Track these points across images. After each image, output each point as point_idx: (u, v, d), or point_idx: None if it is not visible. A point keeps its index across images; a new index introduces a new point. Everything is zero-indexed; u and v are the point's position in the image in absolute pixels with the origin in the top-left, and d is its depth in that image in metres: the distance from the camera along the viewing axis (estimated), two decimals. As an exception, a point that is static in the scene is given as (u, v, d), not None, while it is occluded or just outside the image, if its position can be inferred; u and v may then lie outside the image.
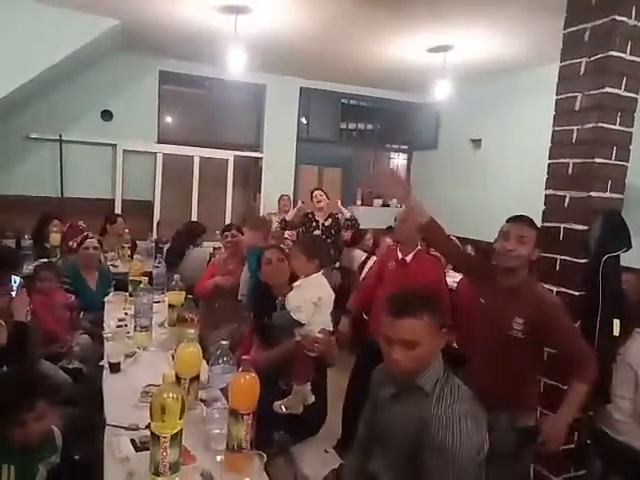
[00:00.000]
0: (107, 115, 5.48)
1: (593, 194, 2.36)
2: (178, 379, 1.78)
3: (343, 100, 6.76)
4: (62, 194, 5.27)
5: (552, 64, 2.59)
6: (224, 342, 1.81)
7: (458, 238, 5.23)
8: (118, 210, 5.44)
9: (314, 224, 4.87)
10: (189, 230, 4.42)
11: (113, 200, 5.53)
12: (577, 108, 2.41)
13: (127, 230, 4.85)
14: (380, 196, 7.14)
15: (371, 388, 1.62)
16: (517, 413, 1.95)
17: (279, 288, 2.41)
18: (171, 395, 1.32)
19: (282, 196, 5.74)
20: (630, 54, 2.30)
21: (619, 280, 2.36)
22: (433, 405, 1.32)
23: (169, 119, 6.16)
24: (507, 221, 2.00)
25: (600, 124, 2.32)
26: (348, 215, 5.22)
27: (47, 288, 3.14)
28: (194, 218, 5.79)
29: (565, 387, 2.41)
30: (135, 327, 2.55)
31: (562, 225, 2.46)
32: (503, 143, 5.74)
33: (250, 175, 6.51)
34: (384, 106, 6.96)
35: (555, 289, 2.45)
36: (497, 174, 5.77)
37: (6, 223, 4.62)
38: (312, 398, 2.19)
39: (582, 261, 2.37)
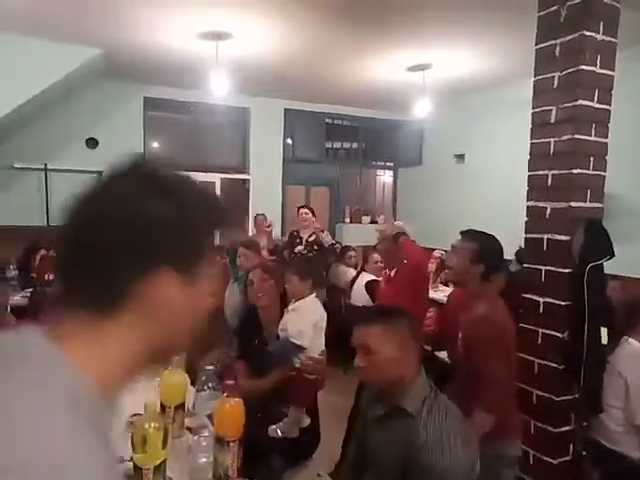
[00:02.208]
0: (92, 143, 5.49)
1: (573, 204, 2.39)
2: (163, 407, 1.75)
3: (327, 120, 6.84)
4: (48, 223, 5.23)
5: (531, 80, 2.65)
6: (209, 367, 1.78)
7: (446, 252, 5.30)
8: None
9: (298, 240, 4.88)
10: None
11: (100, 227, 5.48)
12: (552, 121, 2.46)
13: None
14: (368, 213, 7.18)
15: (361, 407, 1.61)
16: (494, 438, 1.75)
17: (267, 310, 2.39)
18: (152, 425, 1.30)
19: (257, 216, 5.68)
20: (600, 67, 2.36)
21: (604, 288, 2.38)
22: (420, 426, 1.30)
23: (155, 144, 6.18)
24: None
25: (576, 135, 2.37)
26: (330, 241, 5.25)
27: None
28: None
29: (557, 399, 2.42)
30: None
31: (545, 236, 2.48)
32: (486, 157, 5.82)
33: (238, 197, 6.52)
34: (368, 125, 7.05)
35: (542, 300, 2.46)
36: (481, 188, 5.83)
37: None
38: (307, 420, 2.16)
39: (566, 271, 2.39)
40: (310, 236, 4.96)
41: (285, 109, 6.47)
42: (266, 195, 6.32)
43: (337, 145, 7.15)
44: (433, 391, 1.40)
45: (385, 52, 4.50)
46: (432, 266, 5.12)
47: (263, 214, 5.79)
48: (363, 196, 7.48)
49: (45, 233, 5.10)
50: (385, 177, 7.65)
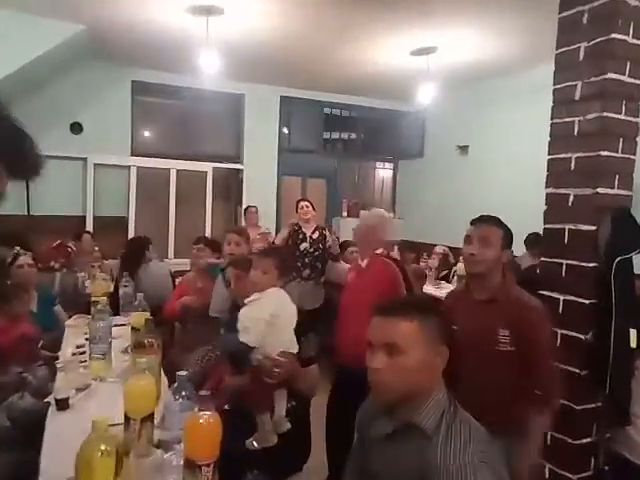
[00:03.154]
0: (77, 128, 5.20)
1: (600, 190, 2.14)
2: (127, 419, 1.48)
3: (326, 109, 6.57)
4: (29, 212, 4.94)
5: (543, 64, 2.39)
6: (182, 373, 1.51)
7: (451, 250, 5.06)
8: (90, 228, 5.13)
9: (301, 237, 4.59)
10: (132, 249, 4.04)
11: (84, 217, 5.21)
12: (577, 97, 2.20)
13: (97, 248, 4.54)
14: (367, 207, 6.91)
15: (359, 424, 1.34)
16: (518, 439, 1.66)
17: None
18: (102, 448, 1.03)
19: (249, 208, 5.40)
20: (633, 37, 2.10)
21: (633, 285, 2.12)
22: (439, 450, 1.04)
23: (143, 131, 5.89)
24: (470, 224, 1.81)
25: (604, 113, 2.11)
26: (337, 249, 4.99)
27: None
28: (172, 234, 5.50)
29: (578, 407, 2.17)
30: (91, 355, 2.24)
31: (567, 226, 2.22)
32: (491, 149, 5.56)
33: (231, 188, 6.24)
34: (368, 115, 6.78)
35: (562, 297, 2.21)
36: (485, 181, 5.58)
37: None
38: (286, 425, 1.90)
39: (591, 265, 2.13)
40: (313, 232, 4.68)
41: (281, 96, 6.19)
42: (260, 186, 6.04)
43: (335, 136, 6.87)
44: (452, 405, 1.13)
45: (388, 34, 4.23)
46: (434, 262, 4.88)
47: (255, 206, 5.53)
48: (362, 189, 7.22)
49: (25, 222, 4.83)
50: (385, 170, 7.38)
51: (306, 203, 4.78)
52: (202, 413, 1.22)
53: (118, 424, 1.57)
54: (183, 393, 1.47)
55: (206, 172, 5.77)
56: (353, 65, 5.13)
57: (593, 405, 2.18)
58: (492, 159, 5.52)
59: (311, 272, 4.31)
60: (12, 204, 4.89)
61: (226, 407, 2.12)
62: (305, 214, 4.60)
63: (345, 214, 6.80)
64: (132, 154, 5.48)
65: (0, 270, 3.53)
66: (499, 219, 1.78)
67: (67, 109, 5.13)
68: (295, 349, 1.83)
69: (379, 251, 2.66)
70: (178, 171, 5.62)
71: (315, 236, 4.53)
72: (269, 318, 1.78)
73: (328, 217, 6.73)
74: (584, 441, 2.20)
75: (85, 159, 5.19)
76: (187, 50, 4.39)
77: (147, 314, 2.42)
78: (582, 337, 2.15)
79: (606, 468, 2.24)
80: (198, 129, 5.94)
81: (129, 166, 5.40)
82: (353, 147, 6.97)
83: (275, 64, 5.19)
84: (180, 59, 4.85)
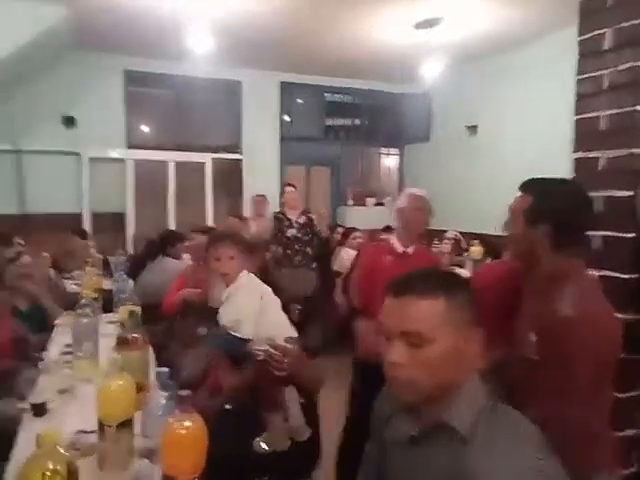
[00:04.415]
0: (69, 121, 5.01)
1: (635, 151, 1.88)
2: (102, 426, 1.27)
3: (327, 95, 6.33)
4: (23, 210, 4.77)
5: (558, 32, 2.13)
6: (162, 370, 1.30)
7: (463, 235, 4.82)
8: (87, 224, 4.94)
9: (287, 223, 4.37)
10: (163, 239, 3.88)
11: (80, 214, 5.02)
12: (606, 47, 1.94)
13: (91, 244, 4.34)
14: (372, 194, 6.68)
15: (373, 425, 1.11)
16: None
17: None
18: (47, 467, 0.82)
19: (256, 197, 5.22)
20: (669, -26, 1.84)
21: (678, 257, 1.87)
22: (479, 455, 0.81)
23: (138, 123, 5.68)
24: None
25: (638, 63, 1.85)
26: (325, 234, 4.77)
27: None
28: (172, 228, 5.29)
29: (621, 395, 1.92)
30: (75, 354, 2.04)
31: (598, 194, 1.97)
32: (502, 127, 5.29)
33: (231, 179, 6.03)
34: (371, 99, 6.53)
35: (597, 273, 1.96)
36: (497, 161, 5.31)
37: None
38: (307, 432, 1.70)
39: (630, 236, 1.88)
40: (299, 217, 4.46)
41: (281, 82, 5.97)
42: (262, 176, 5.82)
43: (338, 122, 6.63)
44: (492, 399, 0.91)
45: (390, 6, 3.98)
46: (447, 247, 4.64)
47: (263, 195, 5.31)
48: (366, 176, 6.98)
49: (20, 221, 4.66)
50: (390, 155, 7.12)
51: (291, 188, 4.60)
52: (180, 418, 1.01)
53: (90, 431, 1.37)
54: (165, 393, 1.26)
55: (204, 163, 5.56)
56: (354, 44, 4.88)
57: (638, 393, 1.94)
58: (503, 138, 5.25)
59: (302, 258, 4.14)
60: (6, 202, 4.73)
61: (227, 406, 1.93)
62: (292, 199, 4.42)
63: (350, 202, 6.57)
64: (128, 147, 5.29)
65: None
66: (536, 182, 1.44)
67: (58, 102, 4.94)
68: (294, 333, 1.61)
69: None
70: (176, 163, 5.42)
71: (302, 221, 4.34)
72: (256, 303, 1.57)
73: (332, 206, 6.51)
74: (628, 433, 1.96)
75: (79, 154, 5.00)
76: (177, 32, 4.16)
77: (135, 307, 2.22)
78: (621, 317, 1.90)
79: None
80: (195, 119, 5.73)
81: (125, 159, 5.21)
82: (357, 133, 6.73)
83: (272, 48, 4.96)
84: (171, 43, 4.61)
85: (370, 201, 6.62)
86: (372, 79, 6.20)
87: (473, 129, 5.71)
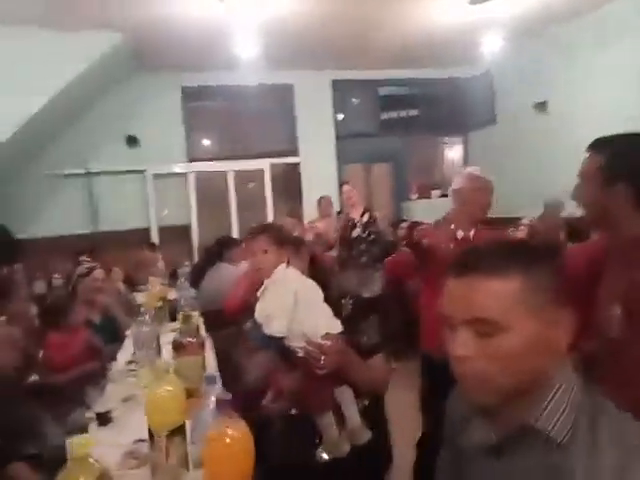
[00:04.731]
0: (132, 141, 5.22)
1: None
2: (151, 436, 1.20)
3: (381, 89, 6.14)
4: (95, 229, 5.02)
5: None
6: (209, 374, 1.21)
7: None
8: (155, 238, 5.11)
9: (350, 223, 4.21)
10: (216, 244, 3.91)
11: (148, 228, 5.21)
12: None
13: (159, 257, 4.46)
14: (437, 186, 6.37)
15: (446, 430, 0.94)
16: None
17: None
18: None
19: (322, 198, 5.13)
20: None
21: None
22: (582, 465, 0.63)
23: (197, 136, 5.82)
24: None
25: None
26: (388, 237, 4.54)
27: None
28: (235, 237, 5.34)
29: None
30: (133, 363, 2.04)
31: None
32: (574, 101, 4.82)
33: (289, 183, 6.00)
34: (428, 88, 6.27)
35: None
36: (569, 139, 4.81)
37: (39, 266, 4.38)
38: (366, 434, 1.53)
39: None
40: (362, 215, 4.29)
41: (332, 81, 5.87)
42: (320, 178, 5.74)
43: (394, 115, 6.41)
44: (590, 396, 0.71)
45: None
46: (522, 234, 4.28)
47: (328, 196, 5.21)
48: (429, 168, 6.68)
49: (93, 239, 4.89)
50: (453, 144, 6.78)
51: (348, 187, 4.43)
52: (222, 424, 0.90)
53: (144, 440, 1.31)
54: (212, 399, 1.17)
55: (263, 169, 5.58)
56: (406, 31, 4.67)
57: None
58: (576, 112, 4.78)
59: (368, 259, 3.96)
60: (80, 223, 5.00)
61: (293, 411, 1.82)
62: (349, 198, 4.25)
63: (415, 196, 6.31)
64: (188, 160, 5.42)
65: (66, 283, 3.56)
66: (608, 141, 1.25)
67: (121, 123, 5.17)
68: (337, 329, 1.46)
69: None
70: (236, 172, 5.48)
71: (365, 220, 4.16)
72: (291, 298, 1.43)
73: (395, 202, 6.28)
74: None
75: (143, 171, 5.20)
76: (226, 41, 4.19)
77: (192, 313, 2.19)
78: None
79: None
80: (251, 127, 5.78)
81: (186, 173, 5.34)
82: (415, 125, 6.46)
83: (321, 46, 4.87)
84: (222, 53, 4.66)
85: (435, 193, 6.33)
86: (427, 66, 5.93)
87: (542, 106, 5.27)
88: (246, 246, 1.66)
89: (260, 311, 1.48)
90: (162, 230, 5.26)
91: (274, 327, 1.42)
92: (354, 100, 6.07)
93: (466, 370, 0.71)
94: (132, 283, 4.35)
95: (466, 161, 6.66)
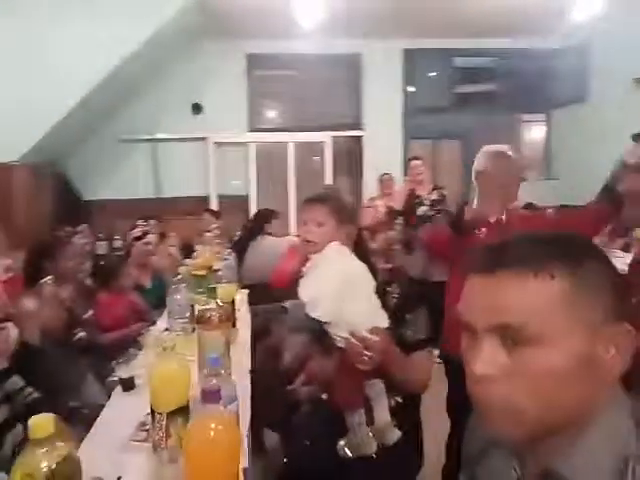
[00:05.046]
0: (197, 108, 5.23)
1: None
2: (153, 414, 1.11)
3: (457, 59, 5.70)
4: (157, 194, 5.13)
5: None
6: (212, 355, 1.09)
7: None
8: (213, 207, 5.14)
9: (417, 200, 3.95)
10: (257, 218, 3.84)
11: (207, 197, 5.25)
12: None
13: (215, 225, 4.46)
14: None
15: (463, 458, 0.76)
16: None
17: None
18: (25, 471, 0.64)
19: (383, 175, 4.89)
20: None
21: None
22: None
23: (260, 106, 5.72)
24: None
25: None
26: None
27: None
28: (292, 210, 5.26)
29: None
30: (168, 330, 1.99)
31: None
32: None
33: (351, 157, 5.79)
34: (511, 60, 5.73)
35: None
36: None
37: (104, 227, 4.55)
38: (395, 434, 1.38)
39: None
40: (430, 193, 4.02)
41: (404, 50, 5.52)
42: (384, 153, 5.47)
43: (470, 89, 5.95)
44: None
45: None
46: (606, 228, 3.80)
47: (389, 174, 4.97)
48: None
49: (155, 205, 5.00)
50: (534, 123, 6.21)
51: (418, 162, 4.15)
52: (207, 420, 0.77)
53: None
54: (215, 381, 1.05)
55: (324, 142, 5.40)
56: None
57: None
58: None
59: None
60: (143, 188, 5.12)
61: (324, 396, 1.69)
62: (418, 173, 3.98)
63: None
64: (250, 130, 5.37)
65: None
66: None
67: (187, 90, 5.18)
68: (384, 323, 1.29)
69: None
70: (296, 144, 5.35)
71: (434, 197, 3.87)
72: (341, 281, 1.27)
73: (463, 184, 5.88)
74: None
75: (205, 139, 5.21)
76: (293, 7, 4.01)
77: (233, 286, 2.10)
78: None
79: None
80: (315, 97, 5.59)
81: (247, 142, 5.30)
82: (493, 100, 5.97)
83: (392, 12, 4.55)
84: (288, 20, 4.49)
85: (508, 176, 5.84)
86: (511, 35, 5.39)
87: (644, 81, 4.63)
88: (301, 214, 1.50)
89: (305, 289, 1.34)
90: (221, 199, 5.28)
91: (319, 310, 1.28)
92: (426, 71, 5.69)
93: (489, 395, 0.54)
94: (190, 250, 4.40)
95: (548, 142, 6.09)
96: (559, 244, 0.58)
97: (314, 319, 1.31)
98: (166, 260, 3.68)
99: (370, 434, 1.39)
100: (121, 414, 1.48)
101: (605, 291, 0.55)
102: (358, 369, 1.24)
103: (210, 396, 0.79)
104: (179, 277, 2.13)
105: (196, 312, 2.09)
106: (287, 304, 1.91)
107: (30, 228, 4.16)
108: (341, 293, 1.30)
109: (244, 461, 1.01)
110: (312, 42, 4.94)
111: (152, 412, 1.12)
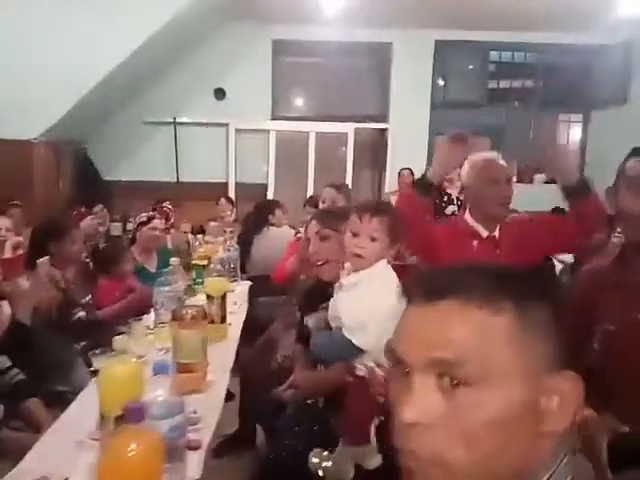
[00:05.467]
0: (220, 93, 5.18)
1: None
2: (102, 417, 1.05)
3: (492, 52, 5.45)
4: (177, 179, 5.12)
5: None
6: (162, 363, 1.02)
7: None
8: (231, 194, 5.10)
9: (445, 199, 3.78)
10: (259, 210, 3.74)
11: (226, 183, 5.21)
12: None
13: (229, 212, 4.41)
14: (543, 170, 5.61)
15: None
16: None
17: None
18: None
19: (402, 170, 4.74)
20: None
21: None
22: None
23: (284, 93, 5.62)
24: None
25: None
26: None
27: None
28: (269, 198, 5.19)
29: None
30: (155, 323, 1.94)
31: None
32: None
33: (374, 151, 5.64)
34: (549, 55, 5.45)
35: None
36: None
37: (120, 208, 4.57)
38: (376, 459, 1.28)
39: None
40: (461, 192, 3.84)
41: (436, 41, 5.30)
42: (409, 147, 5.29)
43: (504, 84, 5.70)
44: None
45: None
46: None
47: (409, 168, 4.81)
48: (537, 149, 5.90)
49: (174, 188, 5.00)
50: (571, 123, 5.90)
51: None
52: (127, 438, 0.70)
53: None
54: (160, 392, 0.98)
55: (346, 133, 5.27)
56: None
57: None
58: None
59: None
60: (163, 172, 5.12)
61: (309, 401, 1.62)
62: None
63: (514, 179, 5.63)
64: (272, 118, 5.28)
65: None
66: None
67: (211, 75, 5.13)
68: None
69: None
70: (317, 134, 5.24)
71: (462, 197, 3.69)
72: (389, 316, 1.16)
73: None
74: None
75: (227, 125, 5.16)
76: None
77: (223, 279, 2.03)
78: None
79: None
80: (340, 87, 5.46)
81: (268, 130, 5.22)
82: (528, 97, 5.70)
83: (425, 1, 4.36)
84: (315, 5, 4.36)
85: (539, 178, 5.58)
86: (550, 30, 5.10)
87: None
88: (350, 220, 1.37)
89: (348, 311, 1.23)
90: (239, 186, 5.23)
91: (364, 338, 1.17)
92: (459, 65, 5.46)
93: (420, 446, 0.47)
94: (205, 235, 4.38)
95: (584, 144, 5.78)
96: (510, 279, 0.52)
97: (349, 345, 1.21)
98: (176, 244, 3.66)
99: (350, 460, 1.29)
100: (89, 409, 1.44)
101: (553, 336, 0.49)
102: (372, 402, 1.14)
103: (132, 414, 0.72)
104: (170, 268, 2.07)
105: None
106: (310, 323, 1.79)
107: (48, 205, 4.21)
108: (387, 325, 1.19)
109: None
110: (340, 30, 4.80)
111: (101, 415, 1.07)
